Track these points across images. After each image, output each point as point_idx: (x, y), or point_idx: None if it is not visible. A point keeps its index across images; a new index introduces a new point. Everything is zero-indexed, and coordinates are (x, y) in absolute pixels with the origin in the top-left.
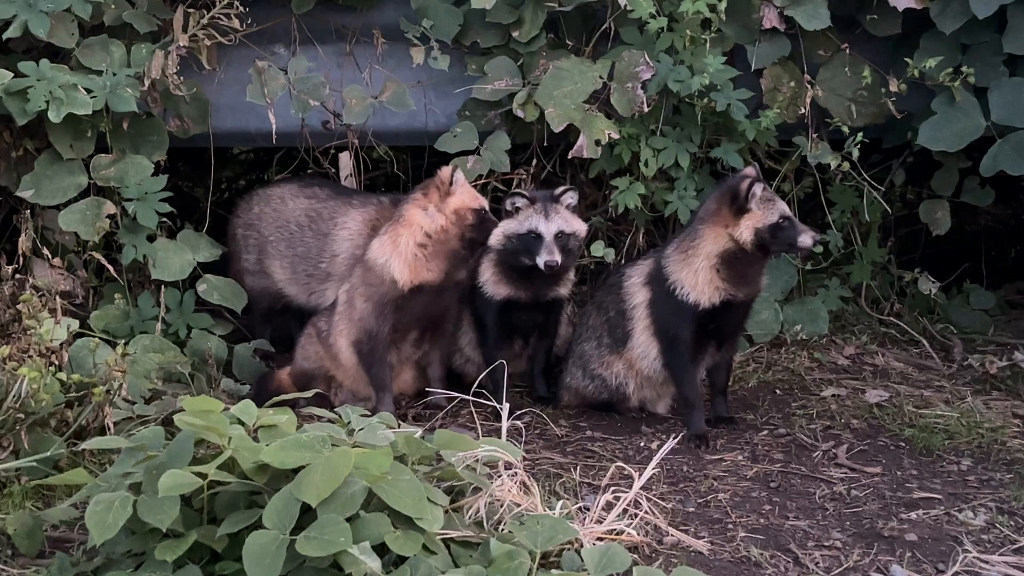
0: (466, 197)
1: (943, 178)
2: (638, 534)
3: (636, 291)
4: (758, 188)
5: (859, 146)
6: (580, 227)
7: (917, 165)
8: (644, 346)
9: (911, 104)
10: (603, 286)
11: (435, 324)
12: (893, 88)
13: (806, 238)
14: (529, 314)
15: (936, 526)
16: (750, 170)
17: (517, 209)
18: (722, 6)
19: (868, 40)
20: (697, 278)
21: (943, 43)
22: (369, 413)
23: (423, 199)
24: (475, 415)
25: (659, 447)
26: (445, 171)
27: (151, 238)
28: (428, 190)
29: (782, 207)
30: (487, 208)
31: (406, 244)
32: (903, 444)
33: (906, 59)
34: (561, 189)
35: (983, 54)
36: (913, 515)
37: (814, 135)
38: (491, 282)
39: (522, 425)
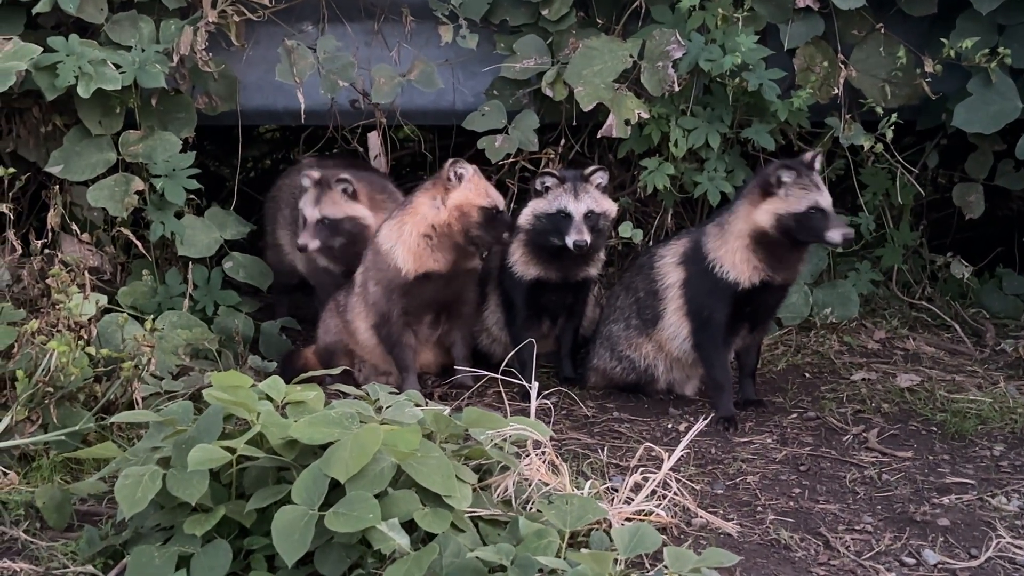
0: (471, 194)
1: (977, 161)
2: (667, 515)
3: (669, 271)
4: (788, 175)
5: (892, 128)
6: (610, 207)
7: (951, 148)
8: (675, 326)
9: (946, 85)
10: (632, 267)
11: (449, 308)
12: (928, 69)
13: (835, 234)
14: (558, 294)
15: (969, 511)
16: (809, 155)
17: (547, 188)
18: None
19: (903, 20)
20: (735, 257)
21: (979, 23)
22: (397, 390)
23: (432, 189)
24: (503, 394)
25: (687, 429)
26: (448, 166)
27: (179, 215)
28: (436, 181)
29: (816, 197)
30: (499, 207)
31: (410, 233)
32: (935, 429)
33: (942, 39)
34: (591, 169)
35: (1020, 35)
36: (945, 500)
37: (847, 116)
38: (520, 262)
39: (550, 405)
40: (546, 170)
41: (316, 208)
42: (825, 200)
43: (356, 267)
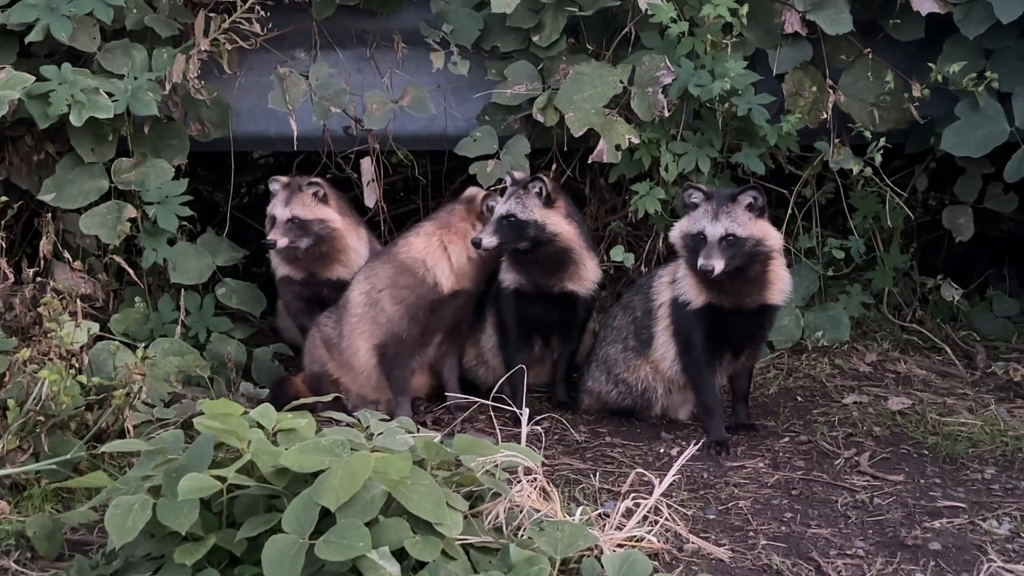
0: None
1: (966, 184)
2: (658, 541)
3: (663, 289)
4: (697, 196)
5: (881, 151)
6: (540, 217)
7: (940, 171)
8: (665, 347)
9: (934, 109)
10: (632, 287)
11: (457, 327)
12: (916, 93)
13: (701, 260)
14: (542, 307)
15: (960, 535)
16: (741, 189)
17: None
18: (744, 10)
19: (891, 45)
20: (685, 277)
21: (967, 48)
22: (388, 417)
23: (467, 216)
24: (494, 420)
25: (679, 453)
26: (480, 200)
27: (171, 242)
28: (468, 209)
29: (705, 224)
30: None
31: (459, 253)
32: (926, 452)
33: (929, 64)
34: (530, 177)
35: (1007, 59)
36: (937, 524)
37: (836, 140)
38: (503, 268)
39: (541, 430)
40: (512, 172)
41: (287, 208)
42: (711, 230)
43: (316, 273)
